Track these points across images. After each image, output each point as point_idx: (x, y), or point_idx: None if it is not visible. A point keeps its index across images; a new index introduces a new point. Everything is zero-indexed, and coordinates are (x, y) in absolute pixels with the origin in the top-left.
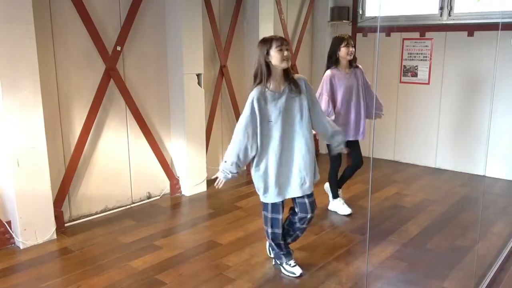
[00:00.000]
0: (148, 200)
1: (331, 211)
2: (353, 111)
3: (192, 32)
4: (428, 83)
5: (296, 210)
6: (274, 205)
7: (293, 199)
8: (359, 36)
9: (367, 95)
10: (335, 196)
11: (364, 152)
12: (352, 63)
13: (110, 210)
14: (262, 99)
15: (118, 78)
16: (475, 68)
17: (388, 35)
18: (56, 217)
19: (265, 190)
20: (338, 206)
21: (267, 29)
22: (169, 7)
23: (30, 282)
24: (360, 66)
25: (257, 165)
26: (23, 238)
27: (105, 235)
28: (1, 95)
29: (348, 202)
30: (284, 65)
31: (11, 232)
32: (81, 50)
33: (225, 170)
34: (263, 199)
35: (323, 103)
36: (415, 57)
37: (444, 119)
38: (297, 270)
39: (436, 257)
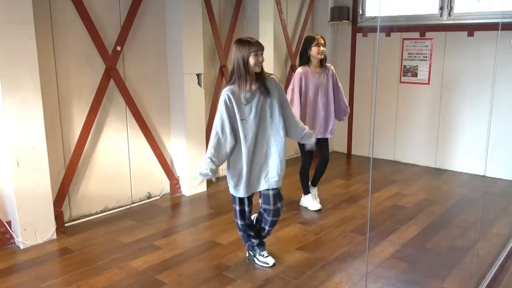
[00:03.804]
0: (148, 200)
1: (302, 206)
2: (322, 109)
3: (192, 32)
4: (428, 83)
5: (260, 201)
6: (241, 198)
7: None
8: (359, 36)
9: (337, 95)
10: (307, 192)
11: (364, 152)
12: (323, 63)
13: (110, 210)
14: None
15: (118, 78)
16: (475, 68)
17: (388, 35)
18: (56, 217)
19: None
20: (309, 202)
21: (267, 29)
22: (169, 7)
23: (30, 282)
24: (331, 66)
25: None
26: (23, 238)
27: (105, 235)
28: (1, 95)
29: (348, 202)
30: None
31: (11, 232)
32: (81, 50)
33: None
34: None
35: (295, 97)
36: (415, 57)
37: (444, 119)
38: (270, 260)
39: (436, 257)
